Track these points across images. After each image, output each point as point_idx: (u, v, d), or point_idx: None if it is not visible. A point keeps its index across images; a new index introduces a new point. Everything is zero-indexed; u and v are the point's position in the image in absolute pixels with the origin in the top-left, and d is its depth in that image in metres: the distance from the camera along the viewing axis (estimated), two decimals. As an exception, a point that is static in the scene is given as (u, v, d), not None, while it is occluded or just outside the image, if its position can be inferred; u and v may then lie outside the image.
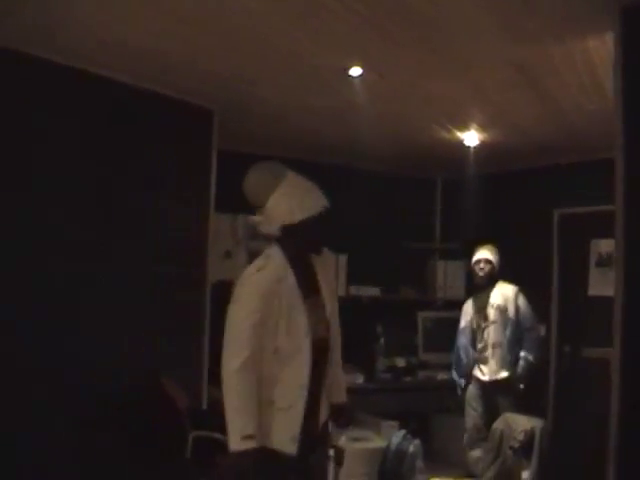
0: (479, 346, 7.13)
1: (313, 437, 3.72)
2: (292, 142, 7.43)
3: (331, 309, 3.92)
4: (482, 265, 7.15)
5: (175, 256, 5.92)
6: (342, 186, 7.68)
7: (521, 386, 6.81)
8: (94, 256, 5.36)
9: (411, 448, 7.29)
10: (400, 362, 8.12)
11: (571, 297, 7.71)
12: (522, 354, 6.86)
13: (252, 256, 7.46)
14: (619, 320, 3.78)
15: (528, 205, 7.93)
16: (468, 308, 7.35)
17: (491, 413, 6.53)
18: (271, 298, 3.70)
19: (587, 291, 7.40)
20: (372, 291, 8.15)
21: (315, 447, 3.73)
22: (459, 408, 8.25)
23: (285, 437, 3.64)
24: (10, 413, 4.80)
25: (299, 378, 3.69)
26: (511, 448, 5.36)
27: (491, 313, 7.05)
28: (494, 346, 6.99)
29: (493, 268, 7.21)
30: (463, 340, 7.29)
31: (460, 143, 7.03)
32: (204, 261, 6.24)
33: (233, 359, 3.61)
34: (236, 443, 3.49)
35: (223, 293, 6.85)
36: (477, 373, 7.16)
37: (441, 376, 8.10)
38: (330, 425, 3.84)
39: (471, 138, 6.90)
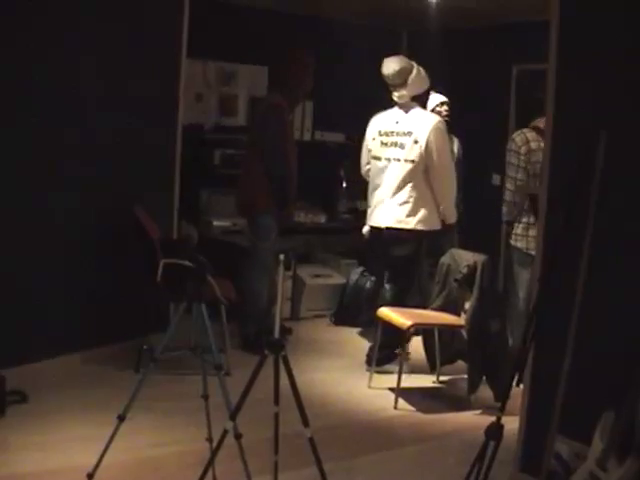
0: None
1: None
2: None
3: None
4: (447, 107, 7.27)
5: (148, 98, 6.14)
6: (310, 35, 7.89)
7: None
8: (69, 96, 5.58)
9: (368, 284, 7.77)
10: (361, 205, 8.32)
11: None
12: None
13: (222, 100, 7.86)
14: (547, 161, 4.20)
15: (488, 61, 8.13)
16: None
17: None
18: None
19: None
20: (337, 137, 8.41)
21: None
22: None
23: None
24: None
25: None
26: (455, 280, 5.75)
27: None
28: None
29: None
30: None
31: (423, -3, 7.24)
32: (176, 103, 6.51)
33: None
34: None
35: (193, 134, 7.25)
36: None
37: (399, 219, 8.53)
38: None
39: (433, -7, 7.13)
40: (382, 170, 6.09)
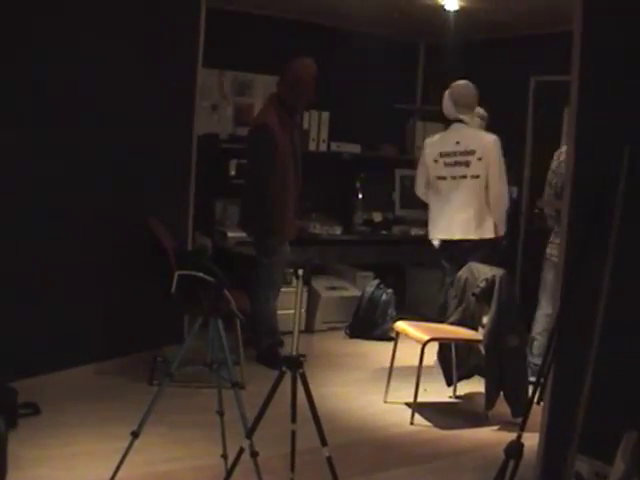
0: None
1: None
2: (279, 2, 7.55)
3: None
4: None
5: (164, 108, 6.11)
6: (327, 46, 7.85)
7: None
8: (85, 106, 5.55)
9: (384, 297, 7.73)
10: (377, 217, 8.38)
11: (543, 162, 8.02)
12: None
13: (238, 111, 7.83)
14: (570, 175, 4.14)
15: (506, 72, 8.03)
16: None
17: None
18: None
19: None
20: (353, 148, 8.32)
21: None
22: (433, 262, 8.68)
23: None
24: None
25: None
26: (473, 295, 5.69)
27: None
28: None
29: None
30: None
31: (441, 8, 7.17)
32: (191, 113, 6.51)
33: None
34: None
35: (209, 144, 7.21)
36: None
37: (415, 231, 8.39)
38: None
39: (451, 3, 7.05)
40: (450, 188, 6.53)
